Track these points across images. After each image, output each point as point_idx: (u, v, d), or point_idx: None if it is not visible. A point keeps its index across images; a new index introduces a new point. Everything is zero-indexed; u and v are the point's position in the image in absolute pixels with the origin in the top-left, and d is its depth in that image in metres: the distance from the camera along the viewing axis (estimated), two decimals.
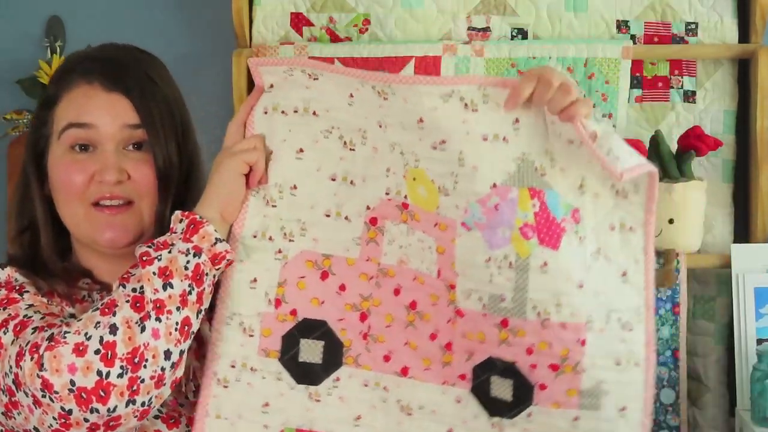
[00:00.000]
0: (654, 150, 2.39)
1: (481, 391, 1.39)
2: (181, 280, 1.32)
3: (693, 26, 2.45)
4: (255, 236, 1.44)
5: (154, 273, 1.32)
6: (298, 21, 2.51)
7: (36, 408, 1.27)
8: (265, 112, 1.49)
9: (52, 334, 1.28)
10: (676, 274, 2.38)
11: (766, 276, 2.34)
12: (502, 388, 1.38)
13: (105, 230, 1.45)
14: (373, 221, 1.43)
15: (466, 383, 1.39)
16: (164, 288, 1.31)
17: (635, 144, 2.33)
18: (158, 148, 1.47)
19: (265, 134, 1.48)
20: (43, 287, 1.43)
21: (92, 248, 1.49)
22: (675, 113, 2.46)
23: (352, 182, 1.45)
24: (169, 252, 1.34)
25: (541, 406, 1.37)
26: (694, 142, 2.35)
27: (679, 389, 2.40)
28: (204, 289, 1.34)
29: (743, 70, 2.46)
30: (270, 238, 1.45)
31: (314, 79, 1.46)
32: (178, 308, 1.31)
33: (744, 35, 2.45)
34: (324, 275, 1.44)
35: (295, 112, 1.48)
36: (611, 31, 2.46)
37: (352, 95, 1.45)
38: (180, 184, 1.49)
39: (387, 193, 1.43)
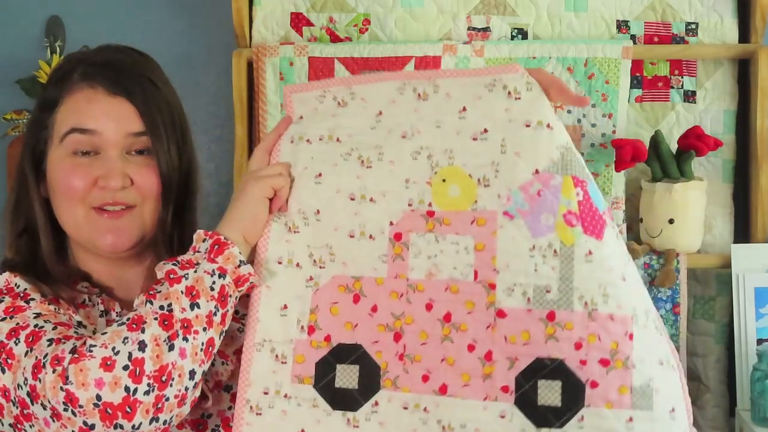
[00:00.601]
0: (654, 150, 2.39)
1: (526, 402, 1.32)
2: (207, 301, 1.32)
3: (693, 26, 2.45)
4: (280, 262, 1.43)
5: (182, 292, 1.32)
6: (298, 21, 2.51)
7: (54, 421, 1.27)
8: (292, 141, 1.49)
9: (75, 346, 1.27)
10: (676, 274, 2.38)
11: (766, 276, 2.34)
12: (549, 393, 1.32)
13: (106, 234, 1.45)
14: (398, 237, 1.41)
15: (509, 396, 1.33)
16: (191, 308, 1.31)
17: (635, 144, 2.34)
18: (162, 154, 1.46)
19: (290, 162, 1.48)
20: (47, 293, 1.42)
21: (91, 252, 1.48)
22: (675, 113, 2.47)
23: (371, 199, 1.44)
24: (195, 271, 1.34)
25: (593, 407, 1.30)
26: (694, 142, 2.35)
27: None
28: (228, 310, 1.35)
29: (743, 70, 2.46)
30: (297, 265, 1.43)
31: (344, 106, 1.47)
32: (204, 329, 1.31)
33: (744, 35, 2.45)
34: (356, 298, 1.41)
35: (320, 140, 1.48)
36: (611, 31, 2.46)
37: (381, 113, 1.44)
38: (180, 187, 1.49)
39: (410, 205, 1.41)
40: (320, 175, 1.46)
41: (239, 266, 1.36)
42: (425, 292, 1.38)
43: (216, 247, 1.36)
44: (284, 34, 2.51)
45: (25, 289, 1.41)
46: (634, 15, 2.46)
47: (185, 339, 1.29)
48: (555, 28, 2.46)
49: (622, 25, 2.46)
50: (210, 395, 1.45)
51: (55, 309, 1.39)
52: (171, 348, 1.28)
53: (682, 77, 2.46)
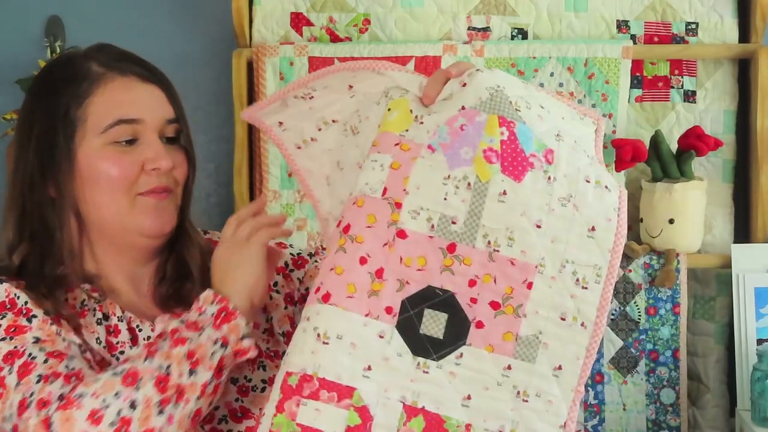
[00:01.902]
0: (654, 150, 2.39)
1: (407, 327, 1.30)
2: (206, 370, 1.32)
3: (693, 26, 2.45)
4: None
5: (183, 355, 1.32)
6: (298, 21, 2.51)
7: None
8: (299, 147, 1.51)
9: (63, 393, 1.27)
10: (676, 274, 2.38)
11: (766, 276, 2.34)
12: (434, 324, 1.31)
13: (149, 215, 1.44)
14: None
15: (391, 318, 1.31)
16: (189, 374, 1.31)
17: (635, 144, 2.34)
18: (189, 142, 1.50)
19: (312, 167, 1.50)
20: (50, 311, 1.40)
21: (114, 247, 1.47)
22: (675, 113, 2.47)
23: (333, 121, 1.48)
24: (200, 335, 1.34)
25: (474, 347, 1.30)
26: (694, 142, 2.35)
27: (679, 389, 2.40)
28: (221, 381, 1.35)
29: (743, 70, 2.46)
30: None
31: (311, 98, 1.47)
32: (197, 398, 1.31)
33: (744, 35, 2.45)
34: None
35: (320, 130, 1.49)
36: (611, 31, 2.46)
37: (351, 86, 1.45)
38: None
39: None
40: (338, 162, 1.48)
41: (242, 339, 1.36)
42: (343, 211, 1.37)
43: (223, 314, 1.35)
44: (284, 34, 2.51)
45: (27, 302, 1.39)
46: (634, 15, 2.46)
47: (176, 405, 1.30)
48: (555, 28, 2.46)
49: (622, 25, 2.46)
50: None
51: (55, 330, 1.38)
52: (161, 412, 1.28)
53: (682, 77, 2.46)
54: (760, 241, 2.39)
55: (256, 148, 2.50)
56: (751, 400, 2.24)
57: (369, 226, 1.33)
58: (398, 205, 1.33)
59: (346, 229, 1.34)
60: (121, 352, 1.42)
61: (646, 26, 2.46)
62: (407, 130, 1.37)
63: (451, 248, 1.32)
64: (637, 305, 2.41)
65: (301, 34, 2.50)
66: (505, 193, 1.33)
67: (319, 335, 1.31)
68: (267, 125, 1.50)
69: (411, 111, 1.38)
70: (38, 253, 1.46)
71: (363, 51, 2.44)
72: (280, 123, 1.49)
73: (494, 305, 1.31)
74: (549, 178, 1.34)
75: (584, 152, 1.39)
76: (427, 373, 1.30)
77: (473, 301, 1.31)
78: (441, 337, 1.31)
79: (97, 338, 1.42)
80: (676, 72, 2.46)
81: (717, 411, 2.43)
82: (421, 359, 1.30)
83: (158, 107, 1.46)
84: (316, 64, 2.44)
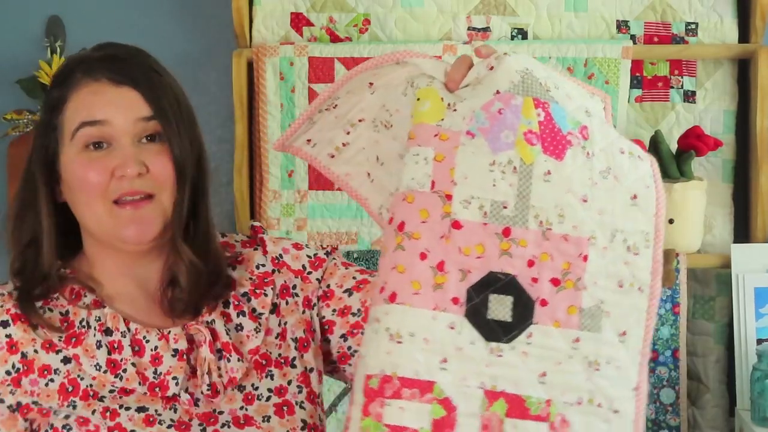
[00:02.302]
0: (654, 150, 2.39)
1: (476, 315, 1.33)
2: None
3: (693, 26, 2.45)
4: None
5: None
6: (298, 21, 2.51)
7: None
8: (332, 156, 1.51)
9: None
10: (676, 274, 2.38)
11: (766, 276, 2.35)
12: (500, 308, 1.33)
13: (129, 226, 1.42)
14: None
15: (459, 308, 1.33)
16: None
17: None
18: (174, 138, 1.45)
19: (350, 170, 1.51)
20: (41, 336, 1.41)
21: (112, 249, 1.47)
22: (675, 113, 2.47)
23: (360, 120, 1.48)
24: None
25: (541, 325, 1.33)
26: (694, 142, 2.35)
27: (679, 389, 2.40)
28: None
29: (743, 70, 2.46)
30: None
31: (334, 107, 1.48)
32: None
33: (744, 35, 2.45)
34: None
35: (348, 133, 1.50)
36: (611, 31, 2.46)
37: (371, 84, 1.46)
38: (194, 173, 1.49)
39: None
40: (377, 158, 1.49)
41: None
42: (391, 208, 1.38)
43: None
44: (284, 34, 2.51)
45: (19, 342, 1.41)
46: (634, 15, 2.46)
47: None
48: (555, 28, 2.46)
49: (622, 25, 2.46)
50: (223, 392, 1.45)
51: (10, 391, 1.39)
52: None
53: (682, 77, 2.46)
54: (760, 241, 2.40)
55: (256, 148, 2.50)
56: (751, 400, 2.24)
57: (423, 221, 1.35)
58: (449, 197, 1.35)
59: (401, 226, 1.35)
60: (125, 370, 1.41)
61: (645, 26, 2.46)
62: (443, 119, 1.37)
63: (506, 232, 1.34)
64: None
65: (301, 34, 2.51)
66: (549, 172, 1.35)
67: (391, 335, 1.32)
68: (296, 147, 1.52)
69: (442, 99, 1.39)
70: (35, 262, 1.46)
71: (363, 51, 2.44)
72: (308, 141, 1.51)
73: (555, 282, 1.34)
74: (587, 153, 1.37)
75: (611, 126, 1.43)
76: (501, 356, 1.33)
77: (534, 280, 1.33)
78: (509, 320, 1.33)
79: (96, 364, 1.41)
80: (676, 72, 2.46)
81: (717, 411, 2.43)
82: (493, 344, 1.33)
83: (128, 108, 1.43)
84: (316, 64, 2.44)
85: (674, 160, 2.38)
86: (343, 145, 1.52)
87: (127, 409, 1.39)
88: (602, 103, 1.47)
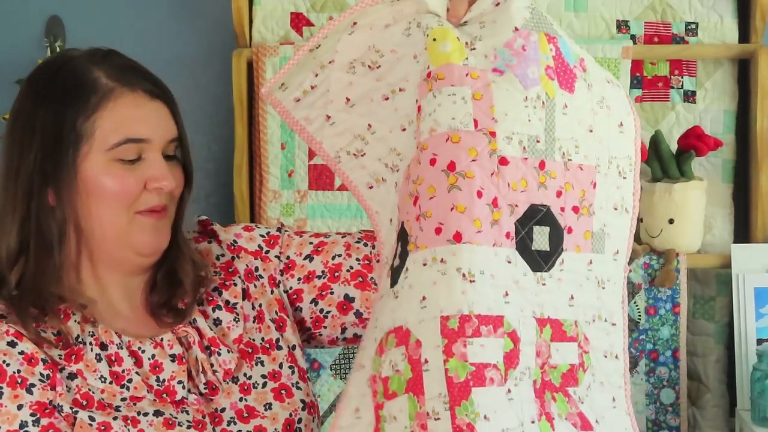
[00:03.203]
0: (654, 150, 2.39)
1: (524, 247, 1.38)
2: None
3: (693, 26, 2.45)
4: (371, 186, 1.50)
5: None
6: (298, 21, 2.51)
7: None
8: (297, 100, 1.51)
9: None
10: (676, 274, 2.38)
11: (766, 276, 2.35)
12: (541, 238, 1.39)
13: (146, 234, 1.43)
14: (419, 110, 1.43)
15: (511, 242, 1.38)
16: None
17: None
18: (188, 158, 1.48)
19: (308, 115, 1.51)
20: (28, 349, 1.38)
21: (113, 260, 1.46)
22: (675, 113, 2.47)
23: (400, 89, 1.48)
24: None
25: (569, 252, 1.40)
26: (694, 142, 2.35)
27: (679, 389, 2.40)
28: None
29: (743, 70, 2.46)
30: (383, 180, 1.49)
31: (317, 48, 1.48)
32: None
33: (744, 35, 2.45)
34: (402, 183, 1.45)
35: (316, 76, 1.50)
36: (611, 31, 2.46)
37: (354, 23, 1.47)
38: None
39: (420, 76, 1.43)
40: (348, 100, 1.50)
41: None
42: (429, 149, 1.39)
43: None
44: (284, 34, 2.51)
45: (19, 371, 1.37)
46: (634, 15, 2.46)
47: None
48: None
49: (622, 25, 2.46)
50: (220, 386, 1.45)
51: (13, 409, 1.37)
52: None
53: (682, 77, 2.46)
54: (760, 241, 2.40)
55: (256, 148, 2.50)
56: (751, 400, 2.24)
57: (474, 160, 1.37)
58: (493, 134, 1.38)
59: (451, 166, 1.37)
60: (129, 380, 1.41)
61: (645, 26, 2.46)
62: (467, 59, 1.40)
63: (542, 165, 1.39)
64: (636, 305, 2.41)
65: (301, 35, 2.51)
66: (566, 105, 1.41)
67: (464, 275, 1.35)
68: (274, 97, 1.50)
69: (458, 38, 1.41)
70: (35, 265, 1.42)
71: None
72: (282, 85, 1.50)
73: (575, 209, 1.41)
74: (588, 85, 1.44)
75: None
76: (544, 285, 1.39)
77: (562, 209, 1.40)
78: (548, 249, 1.39)
79: (101, 376, 1.40)
80: (676, 72, 2.46)
81: (717, 411, 2.43)
82: (539, 274, 1.39)
83: (164, 126, 1.44)
84: None
85: (674, 160, 2.38)
86: (312, 87, 1.51)
87: (146, 414, 1.39)
88: None
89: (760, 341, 2.31)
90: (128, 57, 1.49)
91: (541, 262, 1.39)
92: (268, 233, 1.58)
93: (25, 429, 1.35)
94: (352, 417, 1.39)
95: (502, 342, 1.35)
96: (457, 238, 1.36)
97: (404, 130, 1.47)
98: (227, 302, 1.50)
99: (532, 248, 1.38)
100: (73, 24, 2.60)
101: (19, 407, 1.36)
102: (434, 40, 1.40)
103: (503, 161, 1.38)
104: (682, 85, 2.46)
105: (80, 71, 1.45)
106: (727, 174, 2.47)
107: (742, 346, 2.33)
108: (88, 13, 2.63)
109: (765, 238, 2.40)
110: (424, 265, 1.37)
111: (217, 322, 1.50)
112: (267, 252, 1.55)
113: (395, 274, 1.40)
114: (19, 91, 1.54)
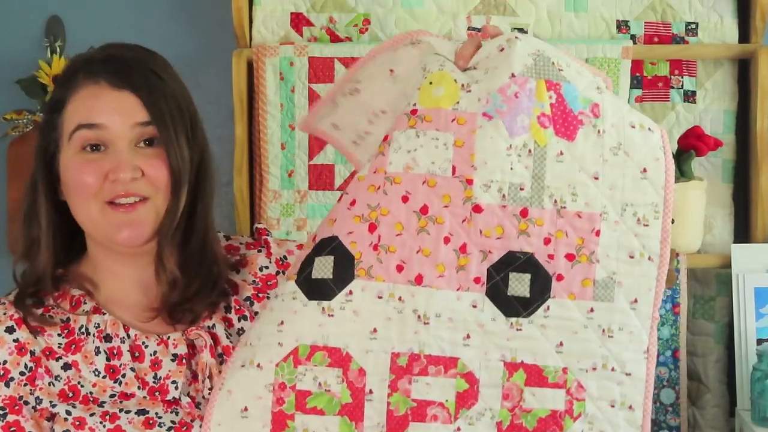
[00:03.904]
0: None
1: (496, 292, 1.41)
2: None
3: (693, 26, 2.45)
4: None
5: None
6: (298, 21, 2.51)
7: None
8: (356, 143, 1.61)
9: None
10: (676, 274, 2.38)
11: (766, 276, 2.34)
12: (519, 285, 1.41)
13: (122, 228, 1.44)
14: (385, 138, 1.46)
15: (480, 287, 1.41)
16: None
17: None
18: (170, 144, 1.45)
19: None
20: (41, 343, 1.41)
21: (112, 251, 1.48)
22: (675, 113, 2.47)
23: (383, 111, 1.54)
24: None
25: (558, 299, 1.41)
26: (694, 142, 2.35)
27: (679, 389, 2.40)
28: None
29: (743, 70, 2.46)
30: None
31: (357, 91, 1.54)
32: None
33: (744, 35, 2.45)
34: (340, 198, 1.47)
35: (371, 123, 1.58)
36: (611, 31, 2.46)
37: (392, 70, 1.52)
38: (192, 178, 1.48)
39: (398, 112, 1.48)
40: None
41: None
42: (402, 184, 1.43)
43: None
44: (284, 34, 2.51)
45: (5, 361, 1.40)
46: (634, 15, 2.46)
47: None
48: (555, 28, 2.46)
49: (622, 25, 2.46)
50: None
51: (27, 393, 1.39)
52: None
53: (682, 77, 2.46)
54: (760, 241, 2.39)
55: (256, 148, 2.50)
56: (751, 400, 2.24)
57: (446, 206, 1.42)
58: (470, 182, 1.42)
59: (424, 210, 1.42)
60: (123, 375, 1.42)
61: (646, 26, 2.46)
62: (458, 102, 1.44)
63: (524, 213, 1.42)
64: None
65: (301, 35, 2.50)
66: (561, 153, 1.43)
67: (419, 316, 1.41)
68: (321, 130, 1.56)
69: (455, 81, 1.45)
70: (45, 255, 1.47)
71: (363, 51, 2.43)
72: (334, 125, 1.54)
73: (569, 257, 1.42)
74: (598, 131, 1.44)
75: (622, 100, 1.48)
76: (520, 330, 1.41)
77: (550, 257, 1.42)
78: (528, 295, 1.42)
79: (95, 370, 1.42)
80: (676, 72, 2.46)
81: (717, 411, 2.43)
82: (513, 319, 1.41)
83: (126, 112, 1.43)
84: (316, 64, 2.44)
85: (674, 160, 2.37)
86: (366, 133, 1.58)
87: (127, 412, 1.40)
88: (604, 83, 1.51)
89: (760, 341, 2.31)
90: (130, 49, 1.50)
91: (518, 307, 1.41)
92: (284, 257, 1.59)
93: None
94: (237, 415, 1.40)
95: (454, 382, 1.41)
96: (419, 280, 1.41)
97: (356, 143, 1.53)
98: (256, 314, 1.50)
99: (508, 294, 1.41)
100: (73, 24, 2.60)
101: None
102: (430, 83, 1.44)
103: (477, 209, 1.42)
104: (682, 85, 2.46)
105: (72, 69, 1.50)
106: (727, 174, 2.47)
107: (742, 346, 2.32)
108: (88, 13, 2.63)
109: (765, 238, 2.40)
110: (379, 297, 1.41)
111: (240, 332, 1.50)
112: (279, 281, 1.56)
113: (318, 286, 1.41)
114: None
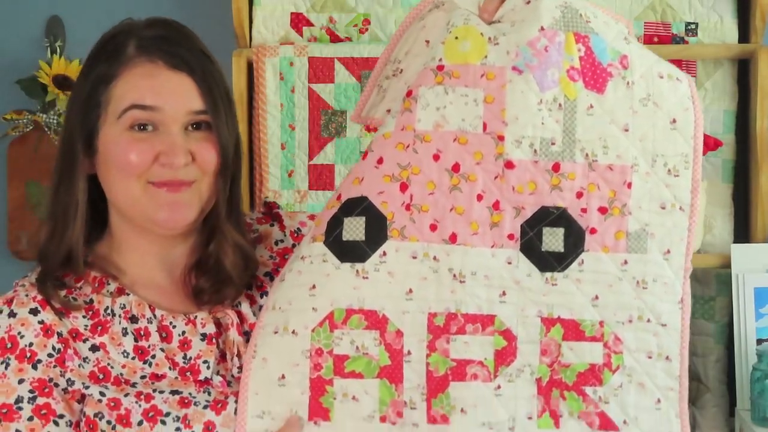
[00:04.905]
0: None
1: (530, 248, 1.41)
2: None
3: (693, 26, 2.45)
4: None
5: None
6: (298, 21, 2.51)
7: None
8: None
9: None
10: None
11: (766, 276, 2.34)
12: (553, 239, 1.42)
13: (164, 208, 1.40)
14: (408, 93, 1.44)
15: (514, 243, 1.41)
16: None
17: None
18: (220, 129, 1.43)
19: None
20: (67, 325, 1.38)
21: (142, 230, 1.44)
22: None
23: (400, 71, 1.52)
24: None
25: (592, 252, 1.42)
26: None
27: None
28: None
29: (743, 70, 2.46)
30: None
31: (400, 72, 1.51)
32: None
33: (744, 35, 2.45)
34: (364, 155, 1.44)
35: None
36: None
37: (427, 41, 1.50)
38: (233, 161, 1.47)
39: (424, 65, 1.45)
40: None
41: None
42: (432, 142, 1.42)
43: None
44: (284, 34, 2.51)
45: (31, 343, 1.37)
46: (634, 15, 2.46)
47: None
48: None
49: None
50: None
51: (57, 374, 1.37)
52: None
53: None
54: (760, 241, 2.39)
55: (256, 148, 2.50)
56: (751, 400, 2.24)
57: (478, 163, 1.41)
58: (501, 138, 1.41)
59: (456, 168, 1.41)
60: (153, 356, 1.40)
61: (645, 26, 2.46)
62: (486, 57, 1.42)
63: (556, 168, 1.42)
64: None
65: (301, 35, 2.50)
66: (591, 106, 1.42)
67: (455, 275, 1.41)
68: (377, 119, 1.54)
69: (482, 34, 1.43)
70: (67, 231, 1.42)
71: (363, 51, 2.44)
72: (388, 111, 1.51)
73: (602, 210, 1.43)
74: (628, 83, 1.44)
75: (649, 51, 1.49)
76: (556, 285, 1.42)
77: (583, 211, 1.42)
78: (562, 250, 1.42)
79: (124, 351, 1.40)
80: None
81: (717, 411, 2.43)
82: (548, 274, 1.42)
83: (182, 97, 1.40)
84: (316, 64, 2.44)
85: None
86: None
87: (161, 392, 1.38)
88: (626, 27, 1.50)
89: (760, 341, 2.31)
90: (178, 27, 1.47)
91: (553, 262, 1.42)
92: (298, 230, 1.58)
93: (19, 405, 1.35)
94: (274, 383, 1.40)
95: (492, 340, 1.41)
96: (453, 239, 1.41)
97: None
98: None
99: (542, 249, 1.42)
100: (73, 24, 2.60)
101: (20, 381, 1.36)
102: (456, 38, 1.43)
103: (509, 165, 1.41)
104: None
105: (117, 38, 1.45)
106: (727, 174, 2.46)
107: (742, 346, 2.32)
108: (88, 13, 2.63)
109: (765, 238, 2.40)
110: (414, 258, 1.40)
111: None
112: (302, 240, 1.52)
113: (351, 248, 1.40)
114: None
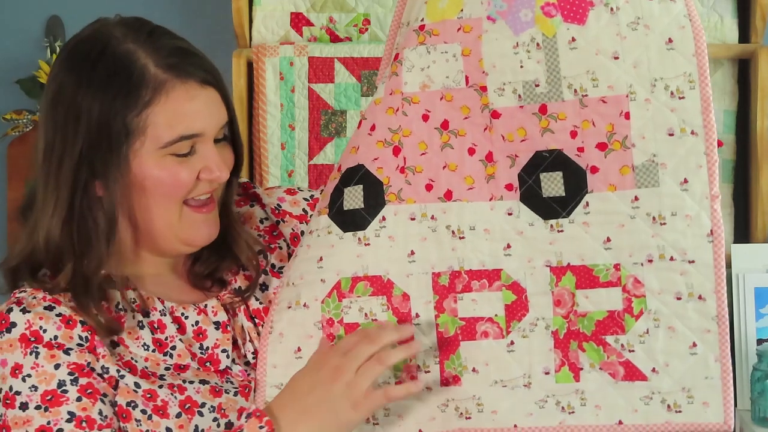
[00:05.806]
0: None
1: (530, 196, 1.36)
2: None
3: None
4: None
5: None
6: (298, 21, 2.51)
7: None
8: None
9: None
10: None
11: (766, 276, 2.34)
12: (553, 184, 1.35)
13: (202, 228, 1.39)
14: (396, 57, 1.43)
15: (513, 193, 1.37)
16: None
17: None
18: (237, 137, 1.43)
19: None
20: (66, 311, 1.33)
21: (162, 247, 1.41)
22: None
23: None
24: None
25: (596, 193, 1.34)
26: None
27: None
28: None
29: (743, 70, 2.46)
30: None
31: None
32: None
33: (744, 35, 2.45)
34: (359, 124, 1.43)
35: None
36: None
37: None
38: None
39: (408, 24, 1.43)
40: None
41: None
42: (420, 103, 1.40)
43: None
44: (284, 34, 2.51)
45: (56, 336, 1.32)
46: None
47: None
48: None
49: None
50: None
51: (90, 361, 1.33)
52: None
53: None
54: (760, 241, 2.39)
55: (256, 148, 2.50)
56: (751, 400, 2.24)
57: (466, 117, 1.38)
58: (483, 89, 1.38)
59: (445, 125, 1.39)
60: (173, 347, 1.38)
61: None
62: (462, 10, 1.39)
63: (543, 110, 1.36)
64: None
65: (301, 34, 2.51)
66: (573, 39, 1.36)
67: (453, 232, 1.37)
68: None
69: None
70: (83, 255, 1.36)
71: (363, 51, 2.44)
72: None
73: (601, 146, 1.35)
74: (611, 9, 1.36)
75: None
76: (562, 231, 1.35)
77: (580, 149, 1.35)
78: (563, 194, 1.35)
79: (144, 344, 1.37)
80: None
81: None
82: (552, 221, 1.35)
83: (216, 114, 1.38)
84: (316, 64, 2.44)
85: None
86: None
87: (191, 382, 1.36)
88: None
89: (760, 341, 2.31)
90: (172, 33, 1.43)
91: (555, 208, 1.36)
92: (311, 196, 1.57)
93: (63, 388, 1.31)
94: (291, 356, 1.39)
95: (500, 295, 1.36)
96: (448, 195, 1.38)
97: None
98: (273, 266, 1.49)
99: (543, 196, 1.36)
100: (73, 24, 2.60)
101: (56, 366, 1.32)
102: None
103: (495, 114, 1.38)
104: None
105: (126, 57, 1.38)
106: (727, 174, 2.46)
107: (742, 346, 2.32)
108: (88, 13, 2.60)
109: (765, 238, 2.40)
110: (412, 219, 1.38)
111: (264, 287, 1.48)
112: (311, 215, 1.52)
113: (351, 217, 1.39)
114: (56, 66, 1.43)
